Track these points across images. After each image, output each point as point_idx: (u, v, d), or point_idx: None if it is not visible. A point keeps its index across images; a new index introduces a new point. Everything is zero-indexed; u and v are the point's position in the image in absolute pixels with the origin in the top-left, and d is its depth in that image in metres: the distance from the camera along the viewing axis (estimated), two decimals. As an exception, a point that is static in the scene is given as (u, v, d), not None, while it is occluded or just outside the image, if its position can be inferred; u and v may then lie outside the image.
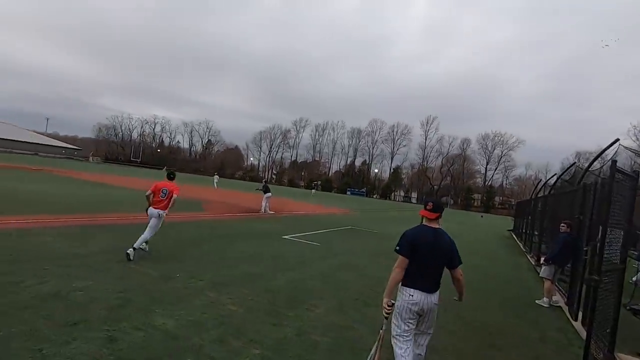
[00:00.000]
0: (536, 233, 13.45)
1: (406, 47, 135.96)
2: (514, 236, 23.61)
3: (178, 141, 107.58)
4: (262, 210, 16.15)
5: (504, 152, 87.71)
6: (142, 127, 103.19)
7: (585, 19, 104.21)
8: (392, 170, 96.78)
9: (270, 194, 16.58)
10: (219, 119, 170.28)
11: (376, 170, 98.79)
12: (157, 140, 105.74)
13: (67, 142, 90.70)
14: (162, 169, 77.38)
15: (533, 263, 11.44)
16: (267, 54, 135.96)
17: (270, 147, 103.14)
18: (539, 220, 13.01)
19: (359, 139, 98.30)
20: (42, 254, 5.50)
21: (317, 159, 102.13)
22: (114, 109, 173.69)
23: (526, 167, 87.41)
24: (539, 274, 9.70)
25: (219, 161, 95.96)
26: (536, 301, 6.60)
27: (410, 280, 2.82)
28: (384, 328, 2.86)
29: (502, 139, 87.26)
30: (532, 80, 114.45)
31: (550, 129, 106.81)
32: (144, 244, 6.11)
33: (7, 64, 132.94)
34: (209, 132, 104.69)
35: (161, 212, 6.07)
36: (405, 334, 2.84)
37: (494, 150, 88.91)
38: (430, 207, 2.91)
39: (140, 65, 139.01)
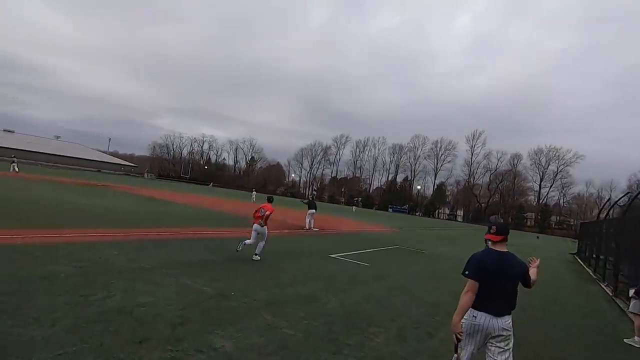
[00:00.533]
0: (610, 259, 12.03)
1: (450, 61, 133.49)
2: (579, 260, 21.47)
3: (224, 158, 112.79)
4: (307, 226, 16.10)
5: (560, 168, 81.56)
6: (191, 145, 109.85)
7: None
8: (435, 187, 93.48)
9: (314, 210, 16.53)
10: (262, 136, 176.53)
11: (419, 187, 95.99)
12: (205, 158, 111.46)
13: (125, 160, 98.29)
14: (208, 184, 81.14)
15: (610, 293, 10.16)
16: (309, 73, 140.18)
17: (312, 164, 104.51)
18: (614, 244, 11.63)
19: (401, 155, 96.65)
20: (108, 267, 5.76)
21: (357, 175, 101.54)
22: (167, 128, 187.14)
23: (587, 184, 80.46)
24: (618, 305, 8.59)
25: (262, 177, 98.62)
26: (625, 340, 5.75)
27: (476, 302, 2.79)
28: (461, 354, 2.78)
29: (557, 153, 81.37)
30: (591, 90, 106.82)
31: (613, 143, 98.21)
32: (256, 255, 7.86)
33: (78, 91, 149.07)
34: (253, 149, 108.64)
35: (257, 225, 7.97)
36: (465, 348, 2.85)
37: (548, 166, 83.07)
38: (494, 231, 2.91)
39: (191, 88, 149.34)
